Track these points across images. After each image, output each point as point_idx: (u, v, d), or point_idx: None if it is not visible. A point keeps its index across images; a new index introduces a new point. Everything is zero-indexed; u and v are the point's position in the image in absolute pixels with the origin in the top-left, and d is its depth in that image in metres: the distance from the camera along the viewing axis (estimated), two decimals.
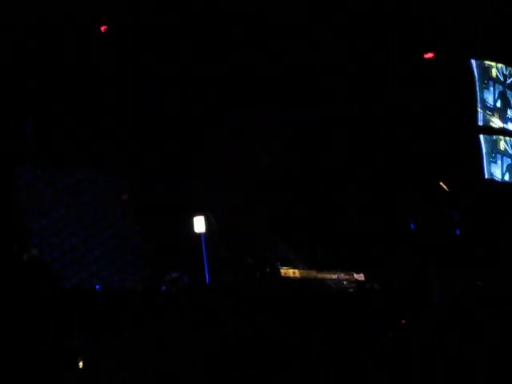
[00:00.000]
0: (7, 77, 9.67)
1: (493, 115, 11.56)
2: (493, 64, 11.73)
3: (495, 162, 11.45)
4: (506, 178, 11.45)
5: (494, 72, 11.78)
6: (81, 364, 6.70)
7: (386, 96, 10.63)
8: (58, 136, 10.43)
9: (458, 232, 9.58)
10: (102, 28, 10.13)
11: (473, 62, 11.40)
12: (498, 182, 11.21)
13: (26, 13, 9.66)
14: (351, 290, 8.27)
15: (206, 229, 8.50)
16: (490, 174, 11.33)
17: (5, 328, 6.82)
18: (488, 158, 11.34)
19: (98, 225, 10.70)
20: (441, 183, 9.76)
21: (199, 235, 8.48)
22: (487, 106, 11.59)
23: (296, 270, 8.11)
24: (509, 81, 11.77)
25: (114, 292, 8.81)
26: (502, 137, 11.68)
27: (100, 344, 7.15)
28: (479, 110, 11.34)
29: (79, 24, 9.87)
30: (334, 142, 10.52)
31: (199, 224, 8.61)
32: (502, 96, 11.87)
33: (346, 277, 8.38)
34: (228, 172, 9.53)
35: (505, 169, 11.49)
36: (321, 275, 8.26)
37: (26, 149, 10.23)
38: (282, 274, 8.00)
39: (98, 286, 9.15)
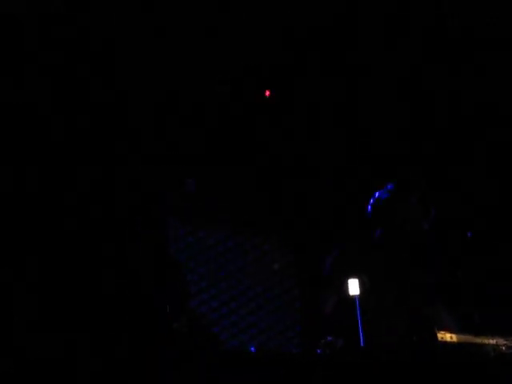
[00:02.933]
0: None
1: None
2: None
3: None
4: None
5: None
6: None
7: None
8: (218, 195, 10.72)
9: None
10: (267, 93, 10.41)
11: None
12: None
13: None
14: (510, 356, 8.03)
15: (361, 291, 8.48)
16: None
17: None
18: None
19: (256, 288, 10.86)
20: None
21: (354, 298, 8.47)
22: None
23: (453, 335, 7.94)
24: None
25: (269, 354, 8.88)
26: None
27: None
28: None
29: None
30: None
31: (353, 286, 8.59)
32: None
33: (505, 342, 8.13)
34: (380, 236, 9.52)
35: None
36: (479, 340, 8.05)
37: (187, 208, 10.52)
38: (439, 339, 7.85)
39: (252, 348, 9.25)
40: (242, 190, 11.16)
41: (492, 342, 8.02)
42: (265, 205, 11.26)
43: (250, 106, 10.87)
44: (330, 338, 8.44)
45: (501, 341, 8.05)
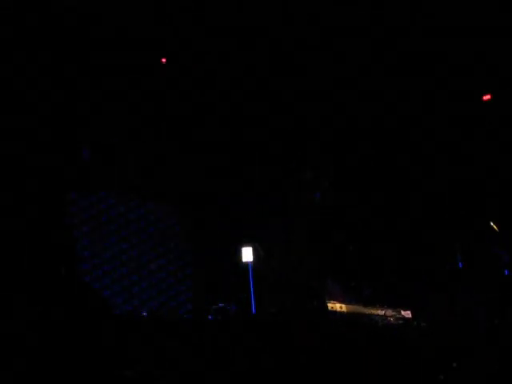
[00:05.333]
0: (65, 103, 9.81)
1: None
2: None
3: None
4: None
5: None
6: None
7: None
8: (113, 163, 10.59)
9: (506, 272, 9.49)
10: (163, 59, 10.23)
11: None
12: None
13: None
14: (397, 326, 8.23)
15: (254, 259, 8.51)
16: None
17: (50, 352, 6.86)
18: None
19: (149, 254, 10.79)
20: (491, 223, 9.68)
21: (247, 265, 8.48)
22: None
23: (343, 305, 8.07)
24: None
25: (161, 319, 8.86)
26: None
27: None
28: None
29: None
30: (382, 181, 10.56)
31: (247, 254, 8.61)
32: None
33: (393, 313, 8.33)
34: (278, 205, 9.60)
35: None
36: (367, 311, 8.22)
37: (81, 175, 10.37)
38: (329, 308, 7.97)
39: (145, 313, 9.22)
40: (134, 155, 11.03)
41: (381, 312, 8.20)
42: (161, 174, 11.13)
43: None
44: (221, 305, 8.48)
45: (389, 312, 8.24)
